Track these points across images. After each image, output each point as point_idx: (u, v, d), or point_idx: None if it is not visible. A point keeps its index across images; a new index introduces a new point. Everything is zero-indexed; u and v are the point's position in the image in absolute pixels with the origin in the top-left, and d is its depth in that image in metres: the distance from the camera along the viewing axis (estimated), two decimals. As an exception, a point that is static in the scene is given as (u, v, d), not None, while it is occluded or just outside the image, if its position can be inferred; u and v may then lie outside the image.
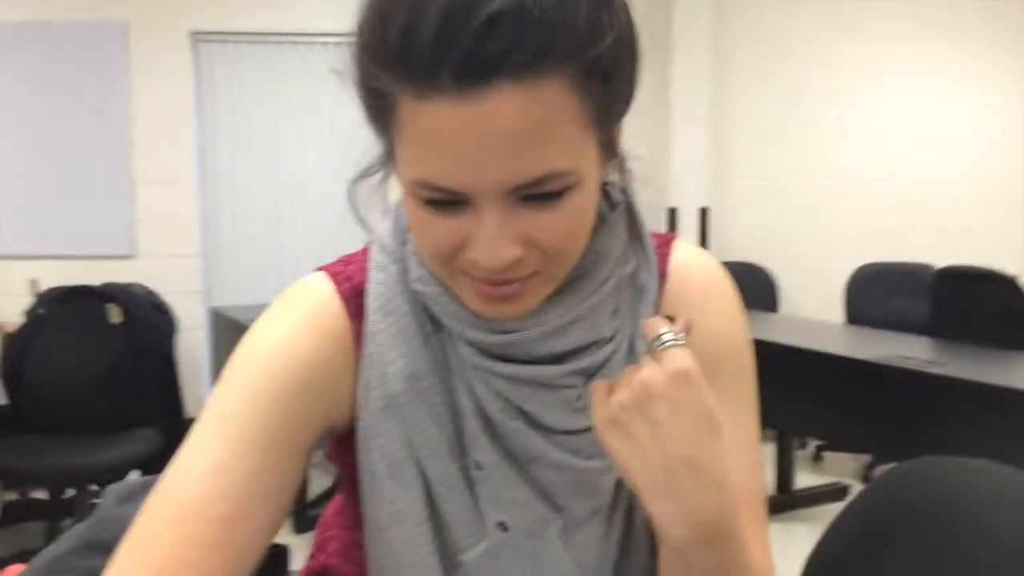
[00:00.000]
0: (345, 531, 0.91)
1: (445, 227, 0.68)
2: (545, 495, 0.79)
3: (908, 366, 3.16)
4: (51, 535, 3.36)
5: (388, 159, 0.73)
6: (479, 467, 0.78)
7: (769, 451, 4.23)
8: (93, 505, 0.92)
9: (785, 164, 5.34)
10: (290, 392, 0.76)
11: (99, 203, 4.76)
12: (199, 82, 4.91)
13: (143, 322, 3.56)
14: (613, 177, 0.80)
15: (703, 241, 5.26)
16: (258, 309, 0.85)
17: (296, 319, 0.80)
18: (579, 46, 0.63)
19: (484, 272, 0.69)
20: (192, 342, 4.77)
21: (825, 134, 5.22)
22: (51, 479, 3.39)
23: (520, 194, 0.66)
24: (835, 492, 4.26)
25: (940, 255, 4.32)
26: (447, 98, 0.62)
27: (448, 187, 0.66)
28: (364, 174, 0.78)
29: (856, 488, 4.23)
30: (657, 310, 0.83)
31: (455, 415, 0.79)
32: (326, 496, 3.97)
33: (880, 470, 4.28)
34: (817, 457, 4.84)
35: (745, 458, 0.82)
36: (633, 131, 0.76)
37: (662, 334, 0.68)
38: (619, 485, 0.82)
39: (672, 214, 5.19)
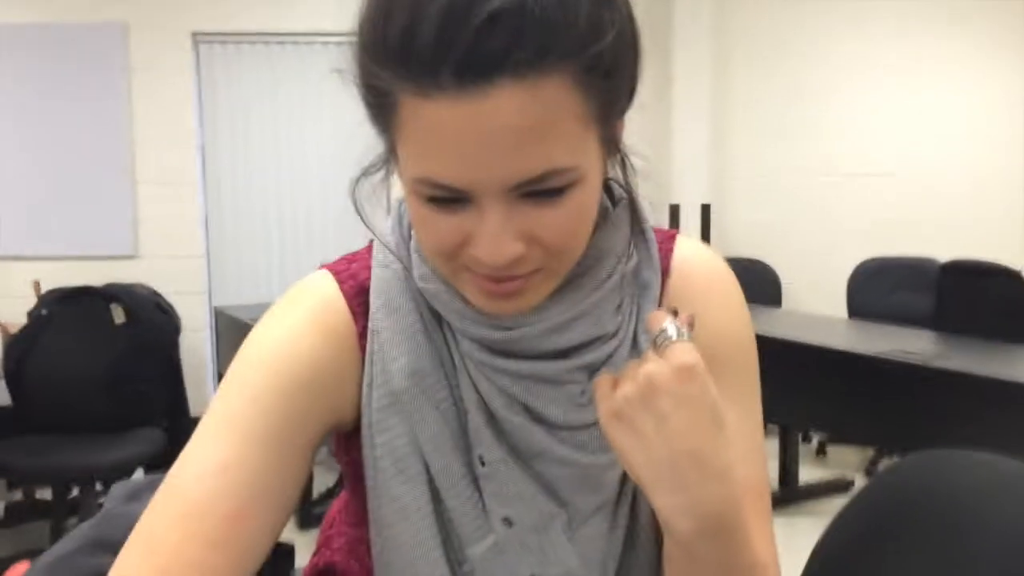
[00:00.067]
0: (350, 528, 0.91)
1: (447, 224, 0.68)
2: (550, 490, 0.79)
3: (911, 360, 3.16)
4: (55, 535, 3.37)
5: (390, 157, 0.73)
6: (484, 463, 0.78)
7: (772, 445, 4.22)
8: (98, 504, 0.92)
9: (787, 160, 5.33)
10: (294, 390, 0.76)
11: (101, 204, 4.77)
12: (199, 82, 4.91)
13: (146, 322, 3.56)
14: (615, 173, 0.80)
15: (705, 238, 5.26)
16: (261, 308, 0.85)
17: (299, 318, 0.80)
18: (580, 43, 0.63)
19: (487, 269, 0.69)
20: (195, 342, 4.78)
21: (826, 130, 5.21)
22: (55, 479, 3.40)
23: (522, 191, 0.66)
24: (839, 486, 4.26)
25: (942, 249, 4.32)
26: (448, 96, 0.62)
27: (450, 185, 0.66)
28: (366, 172, 0.78)
29: (860, 482, 4.23)
30: (660, 306, 0.83)
31: (459, 411, 0.79)
32: (330, 494, 3.98)
33: (884, 464, 4.29)
34: (820, 451, 4.83)
35: (749, 451, 0.82)
36: (635, 127, 0.76)
37: (666, 328, 0.68)
38: (623, 480, 0.82)
39: (674, 211, 5.18)
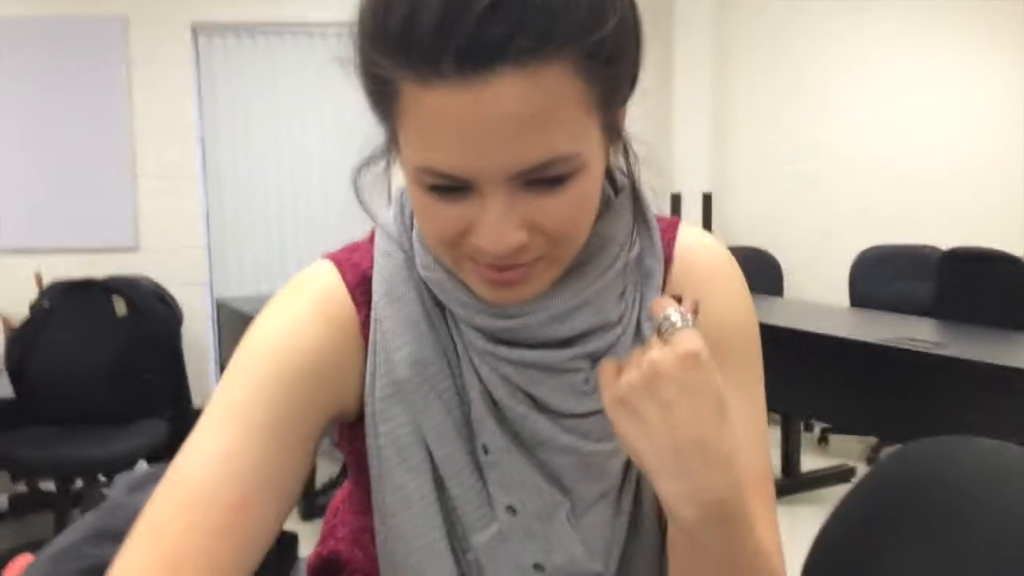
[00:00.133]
0: (353, 517, 0.91)
1: (449, 213, 0.68)
2: (553, 478, 0.80)
3: (913, 348, 3.16)
4: (59, 526, 3.38)
5: (391, 146, 0.73)
6: (487, 451, 0.78)
7: (775, 434, 4.23)
8: (102, 496, 0.92)
9: (788, 149, 5.32)
10: (297, 380, 0.76)
11: (102, 196, 4.76)
12: (199, 74, 4.90)
13: (148, 314, 3.57)
14: (617, 161, 0.80)
15: (707, 226, 5.24)
16: (263, 299, 0.85)
17: (302, 307, 0.80)
18: (581, 30, 0.62)
19: (489, 257, 0.69)
20: (198, 333, 4.78)
21: (827, 119, 5.20)
22: (59, 470, 3.40)
23: (524, 179, 0.66)
24: (841, 474, 4.27)
25: (944, 237, 4.31)
26: (449, 84, 0.61)
27: (452, 173, 0.65)
28: (368, 162, 0.77)
29: (862, 470, 4.24)
30: (663, 293, 0.83)
31: (462, 400, 0.79)
32: (333, 484, 3.99)
33: (886, 452, 4.28)
34: (823, 440, 4.84)
35: (752, 439, 0.82)
36: (637, 116, 0.76)
37: (670, 315, 0.68)
38: (627, 467, 0.82)
39: (676, 200, 5.18)
